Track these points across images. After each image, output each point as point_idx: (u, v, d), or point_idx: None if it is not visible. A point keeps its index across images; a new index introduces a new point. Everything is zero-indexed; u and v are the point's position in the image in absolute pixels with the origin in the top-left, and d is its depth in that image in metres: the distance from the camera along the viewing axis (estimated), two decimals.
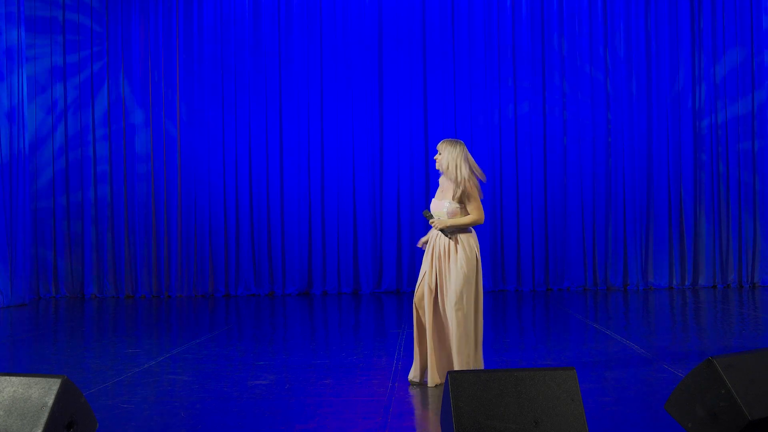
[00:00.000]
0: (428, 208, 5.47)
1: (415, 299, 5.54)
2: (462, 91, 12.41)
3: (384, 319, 9.59)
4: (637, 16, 12.42)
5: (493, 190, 12.28)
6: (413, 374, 5.58)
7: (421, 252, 12.13)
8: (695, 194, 12.39)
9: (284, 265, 12.39)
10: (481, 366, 5.41)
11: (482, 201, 5.44)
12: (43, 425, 3.38)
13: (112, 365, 6.49)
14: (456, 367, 5.32)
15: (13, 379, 3.55)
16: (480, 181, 5.49)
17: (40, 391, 3.47)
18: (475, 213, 5.35)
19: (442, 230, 5.40)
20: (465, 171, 5.37)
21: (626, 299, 11.09)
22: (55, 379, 3.51)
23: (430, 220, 5.42)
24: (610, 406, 4.84)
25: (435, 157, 5.53)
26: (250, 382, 5.67)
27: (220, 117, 12.41)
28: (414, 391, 5.37)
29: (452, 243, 5.36)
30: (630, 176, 12.38)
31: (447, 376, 3.60)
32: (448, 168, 5.40)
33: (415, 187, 12.38)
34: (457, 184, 5.37)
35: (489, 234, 12.23)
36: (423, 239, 5.65)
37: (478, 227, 5.68)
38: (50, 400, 3.44)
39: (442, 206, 5.42)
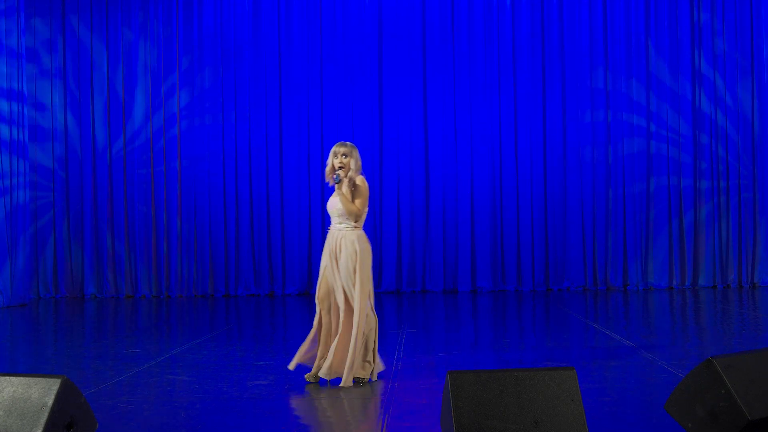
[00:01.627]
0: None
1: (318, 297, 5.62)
2: (462, 91, 12.40)
3: (384, 319, 9.57)
4: (637, 18, 12.42)
5: (493, 190, 12.26)
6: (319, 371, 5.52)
7: (430, 252, 12.24)
8: (695, 194, 12.39)
9: (284, 265, 12.39)
10: (373, 366, 5.45)
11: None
12: (43, 425, 3.38)
13: (112, 365, 6.49)
14: (346, 366, 5.31)
15: (13, 379, 3.54)
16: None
17: (40, 391, 3.47)
18: (359, 204, 5.68)
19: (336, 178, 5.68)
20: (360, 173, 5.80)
21: (626, 299, 11.09)
22: (55, 379, 3.51)
23: (339, 174, 5.67)
24: (610, 406, 4.84)
25: (342, 161, 5.72)
26: (250, 382, 5.66)
27: (220, 117, 12.41)
28: (414, 391, 5.37)
29: (343, 240, 5.62)
30: (630, 176, 12.37)
31: (447, 375, 3.60)
32: (354, 169, 5.75)
33: (414, 186, 12.36)
34: (355, 185, 5.73)
35: (489, 234, 12.22)
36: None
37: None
38: (50, 400, 3.44)
39: (337, 201, 5.72)
